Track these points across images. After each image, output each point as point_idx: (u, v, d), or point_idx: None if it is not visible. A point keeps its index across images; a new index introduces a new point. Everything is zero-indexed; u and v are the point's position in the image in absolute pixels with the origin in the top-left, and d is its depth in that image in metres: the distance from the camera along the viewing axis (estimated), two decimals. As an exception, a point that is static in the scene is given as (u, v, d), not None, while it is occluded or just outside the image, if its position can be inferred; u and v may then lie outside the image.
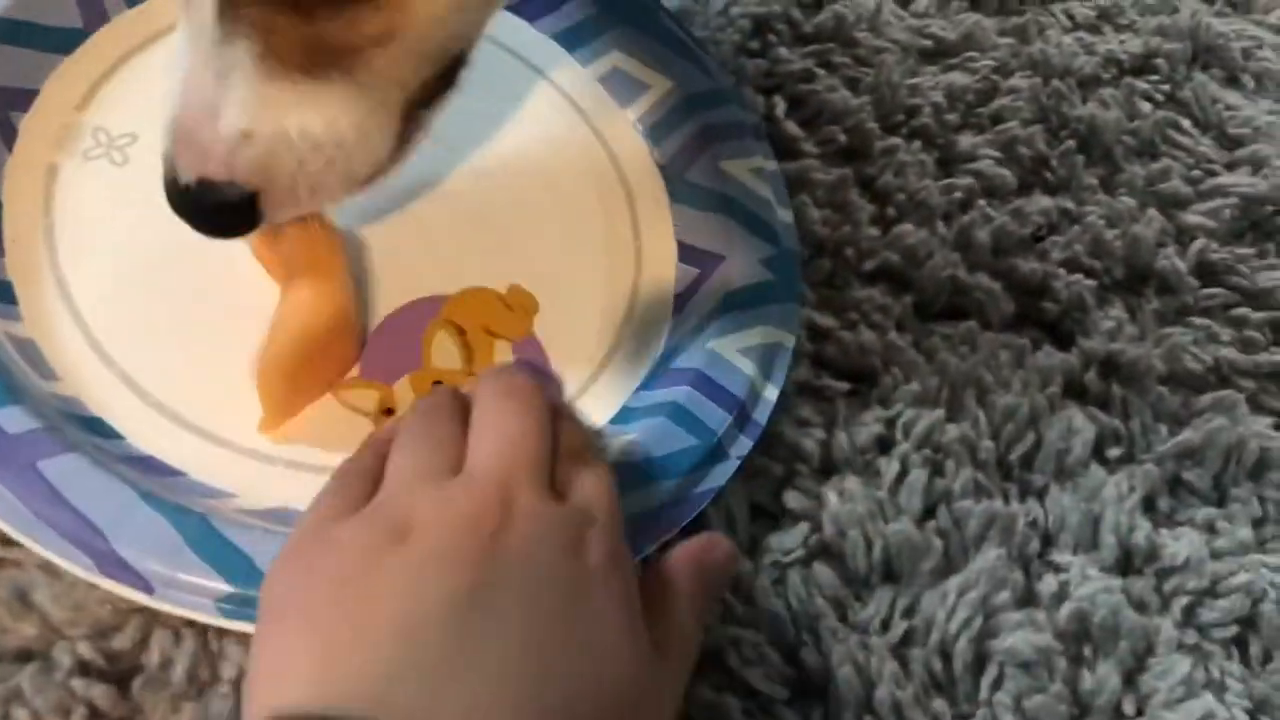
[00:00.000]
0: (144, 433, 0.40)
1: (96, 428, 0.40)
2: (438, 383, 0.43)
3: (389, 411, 0.43)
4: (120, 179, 0.44)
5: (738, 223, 0.48)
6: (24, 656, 0.35)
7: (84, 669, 0.35)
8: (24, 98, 0.45)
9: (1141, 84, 0.62)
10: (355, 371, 0.43)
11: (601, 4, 0.52)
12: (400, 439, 0.35)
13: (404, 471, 0.33)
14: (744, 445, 0.43)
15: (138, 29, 0.48)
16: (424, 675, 0.29)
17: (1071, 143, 0.58)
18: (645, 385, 0.45)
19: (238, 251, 0.42)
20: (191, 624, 0.37)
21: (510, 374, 0.37)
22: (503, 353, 0.45)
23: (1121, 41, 0.64)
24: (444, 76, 0.35)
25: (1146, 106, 0.62)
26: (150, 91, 0.45)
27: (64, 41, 0.46)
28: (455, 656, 0.29)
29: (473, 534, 0.31)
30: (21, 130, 0.44)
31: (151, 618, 0.37)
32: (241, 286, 0.43)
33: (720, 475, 0.42)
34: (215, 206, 0.32)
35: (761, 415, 0.44)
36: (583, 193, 0.49)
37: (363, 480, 0.34)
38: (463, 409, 0.35)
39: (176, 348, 0.42)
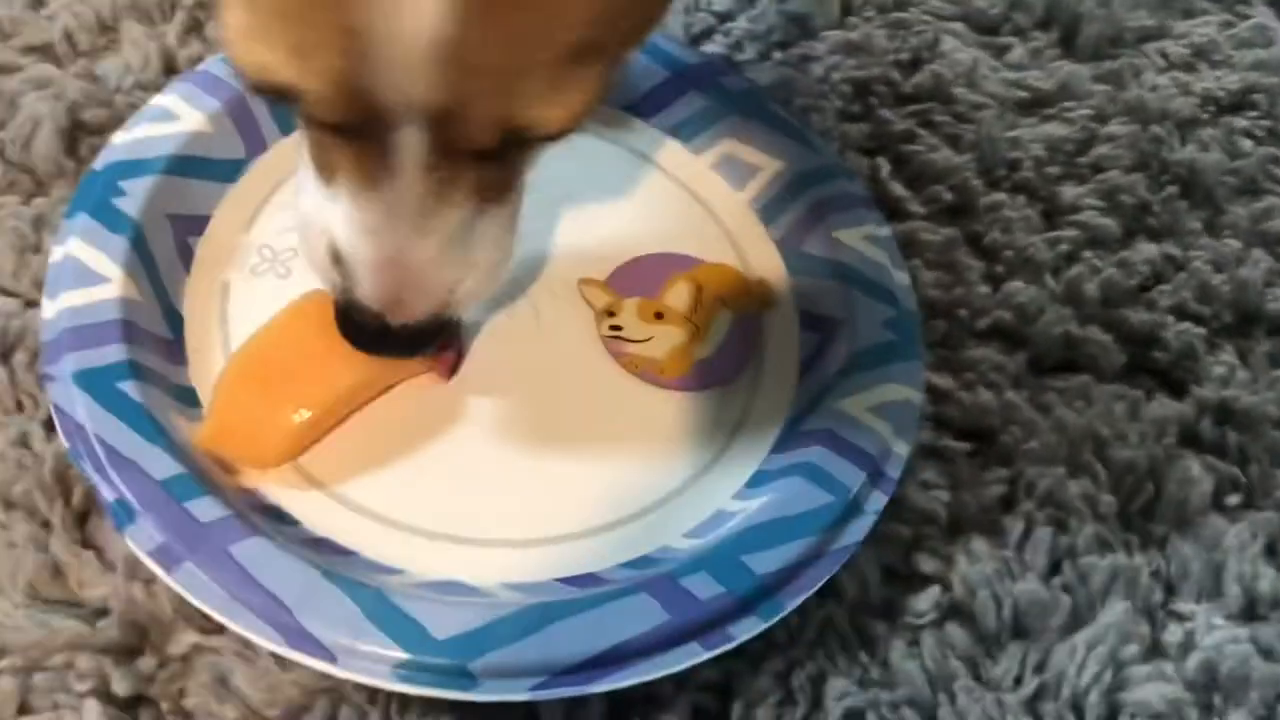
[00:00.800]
0: (317, 517, 0.43)
1: (274, 515, 0.43)
2: (659, 314, 0.49)
3: (611, 314, 0.49)
4: (285, 289, 0.48)
5: (856, 288, 0.50)
6: (230, 737, 0.39)
7: (285, 748, 0.39)
8: (198, 224, 0.49)
9: (1241, 121, 0.63)
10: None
11: (711, 97, 0.55)
12: None
13: None
14: (879, 500, 0.45)
15: (291, 153, 0.50)
16: None
17: (1173, 188, 0.59)
18: (776, 449, 0.47)
19: None
20: (373, 700, 0.40)
21: None
22: (724, 321, 0.50)
23: (1218, 79, 0.65)
24: None
25: (1247, 144, 0.62)
26: None
27: (230, 171, 0.50)
28: None
29: None
30: (197, 252, 0.48)
31: (337, 696, 0.40)
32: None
33: (857, 531, 0.44)
34: (430, 333, 0.38)
35: (894, 470, 0.46)
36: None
37: None
38: None
39: (342, 438, 0.45)
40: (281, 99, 0.32)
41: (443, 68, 0.29)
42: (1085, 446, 0.50)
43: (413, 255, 0.35)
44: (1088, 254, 0.56)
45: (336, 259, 0.37)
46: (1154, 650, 0.45)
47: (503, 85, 0.31)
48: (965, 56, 0.63)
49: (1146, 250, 0.57)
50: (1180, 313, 0.55)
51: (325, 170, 0.35)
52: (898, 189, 0.57)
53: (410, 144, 0.32)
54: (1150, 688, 0.44)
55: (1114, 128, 0.62)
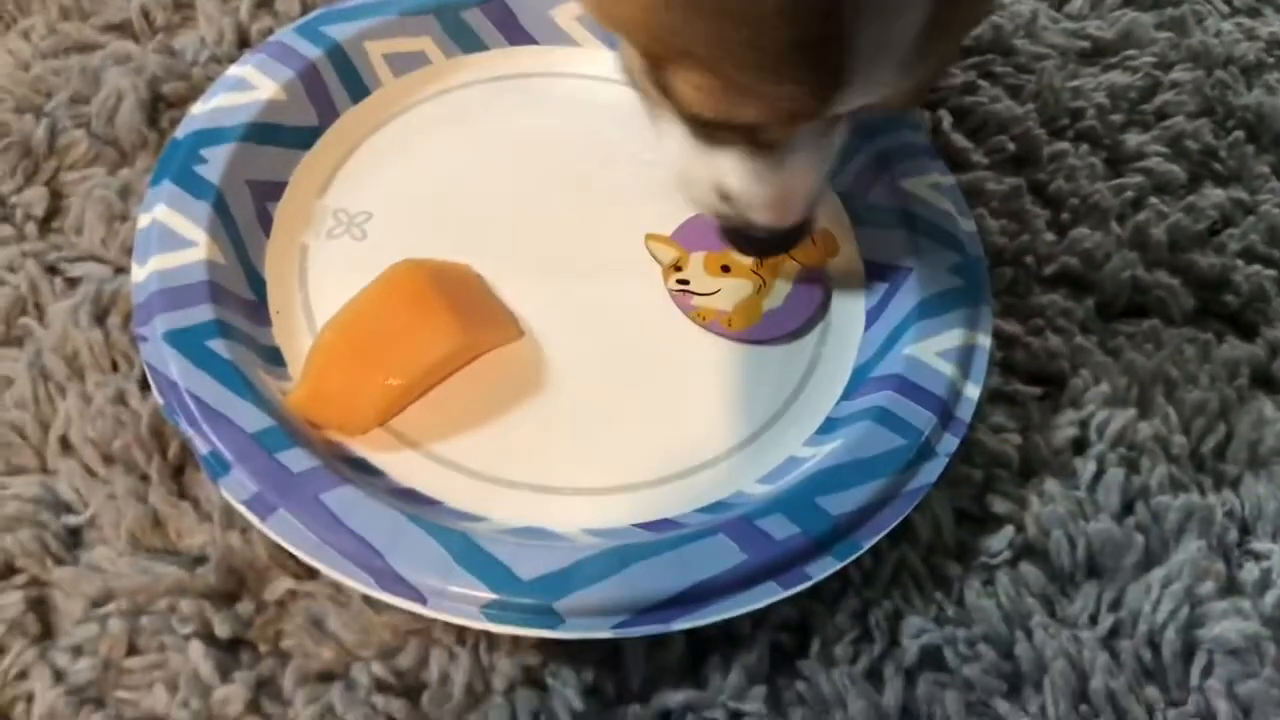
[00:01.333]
0: (401, 469, 0.45)
1: (360, 466, 0.45)
2: (726, 267, 0.50)
3: (678, 268, 0.50)
4: (360, 251, 0.49)
5: (922, 236, 0.51)
6: (327, 677, 0.40)
7: (380, 686, 0.40)
8: (276, 189, 0.50)
9: (1308, 65, 0.63)
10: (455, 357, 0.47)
11: None
12: None
13: None
14: (950, 443, 0.45)
15: (362, 120, 0.53)
16: None
17: (1240, 133, 0.59)
18: (846, 396, 0.48)
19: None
20: (462, 641, 0.41)
21: None
22: (789, 273, 0.51)
23: (1283, 22, 0.65)
24: None
25: (1314, 88, 0.62)
26: (378, 173, 0.52)
27: (304, 138, 0.52)
28: None
29: None
30: (276, 217, 0.50)
31: (427, 638, 0.41)
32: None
33: (930, 473, 0.45)
34: (796, 232, 0.44)
35: (964, 413, 0.46)
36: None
37: None
38: None
39: (423, 395, 0.46)
40: (718, 128, 0.39)
41: (904, 77, 0.36)
42: (1155, 389, 0.50)
43: (795, 192, 0.42)
44: (1154, 200, 0.56)
45: (725, 197, 0.42)
46: (1230, 588, 0.46)
47: (920, 90, 0.38)
48: (1024, 8, 0.63)
49: (1213, 195, 0.57)
50: (1250, 255, 0.55)
51: (708, 139, 0.41)
52: (960, 140, 0.57)
53: (809, 128, 0.40)
54: (1227, 624, 0.44)
55: (1178, 74, 0.61)
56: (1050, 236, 0.54)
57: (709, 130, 0.40)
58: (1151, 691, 0.43)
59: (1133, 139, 0.59)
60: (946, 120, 0.58)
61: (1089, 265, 0.53)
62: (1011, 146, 0.57)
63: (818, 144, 0.41)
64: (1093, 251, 0.54)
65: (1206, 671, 0.44)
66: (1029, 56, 0.61)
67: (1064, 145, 0.58)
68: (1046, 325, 0.51)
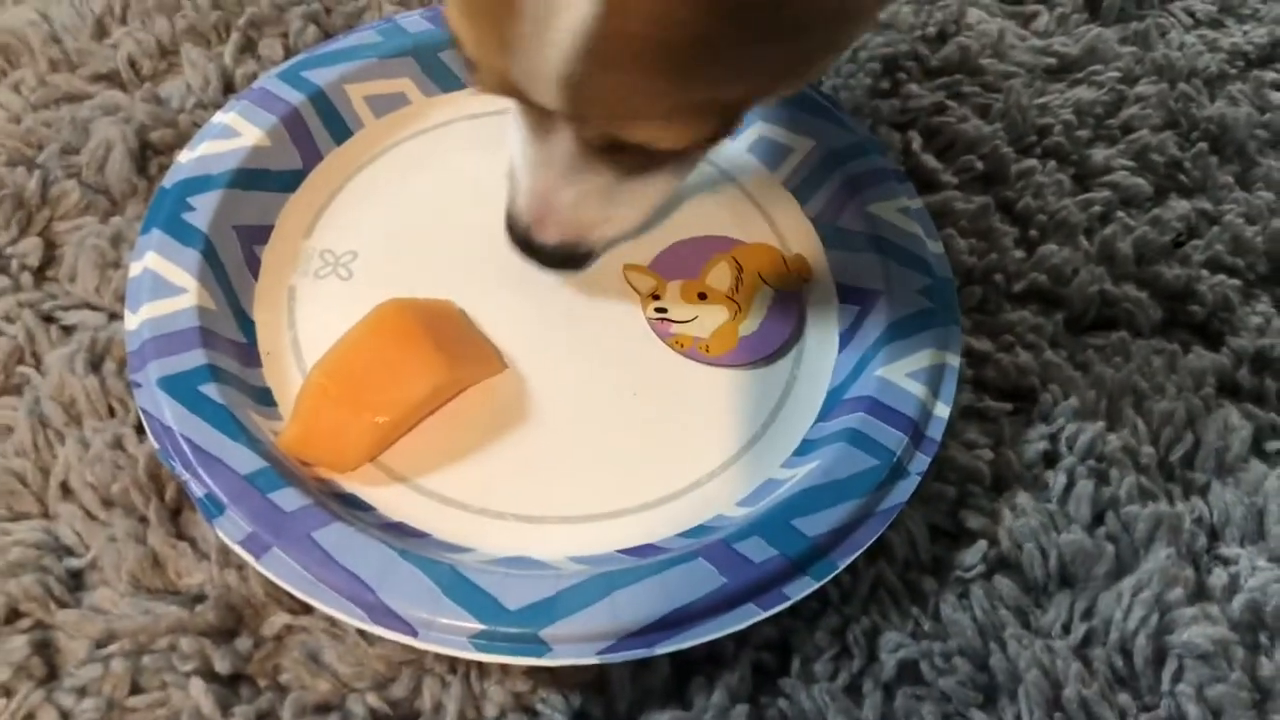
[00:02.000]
0: (390, 503, 0.46)
1: (350, 502, 0.46)
2: (703, 294, 0.52)
3: (656, 297, 0.52)
4: (347, 290, 0.51)
5: (891, 259, 0.52)
6: (323, 709, 0.42)
7: (376, 716, 0.41)
8: (263, 233, 0.52)
9: (1270, 74, 0.64)
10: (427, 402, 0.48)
11: None
12: None
13: None
14: (922, 462, 0.47)
15: (346, 161, 0.55)
16: None
17: (1204, 144, 0.61)
18: (821, 417, 0.49)
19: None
20: (453, 670, 0.43)
21: None
22: (764, 298, 0.52)
23: (1245, 33, 0.66)
24: None
25: (1277, 97, 0.63)
26: (362, 213, 0.54)
27: (289, 181, 0.53)
28: None
29: None
30: (264, 259, 0.51)
31: (419, 668, 0.43)
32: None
33: (903, 492, 0.46)
34: (565, 257, 0.46)
35: (935, 432, 0.48)
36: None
37: None
38: None
39: (409, 430, 0.48)
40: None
41: (564, 94, 0.36)
42: (1124, 401, 0.51)
43: (557, 197, 0.44)
44: (1120, 214, 0.58)
45: (511, 173, 0.45)
46: (1199, 594, 0.47)
47: (612, 118, 0.38)
48: (991, 27, 0.64)
49: (1179, 207, 0.58)
50: (1215, 266, 0.56)
51: (516, 113, 0.42)
52: (930, 161, 0.59)
53: (560, 124, 0.40)
54: (1196, 629, 0.45)
55: (1143, 88, 0.63)
56: (1019, 253, 0.56)
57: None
58: (1124, 698, 0.44)
59: (1099, 154, 0.60)
60: (916, 141, 0.59)
61: (1057, 281, 0.55)
62: (980, 165, 0.59)
63: (586, 162, 0.42)
64: (1061, 267, 0.55)
65: (1177, 676, 0.45)
66: (996, 75, 0.63)
67: (1032, 162, 0.59)
68: (1016, 341, 0.53)
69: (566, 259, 0.47)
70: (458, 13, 0.37)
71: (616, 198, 0.44)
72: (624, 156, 0.42)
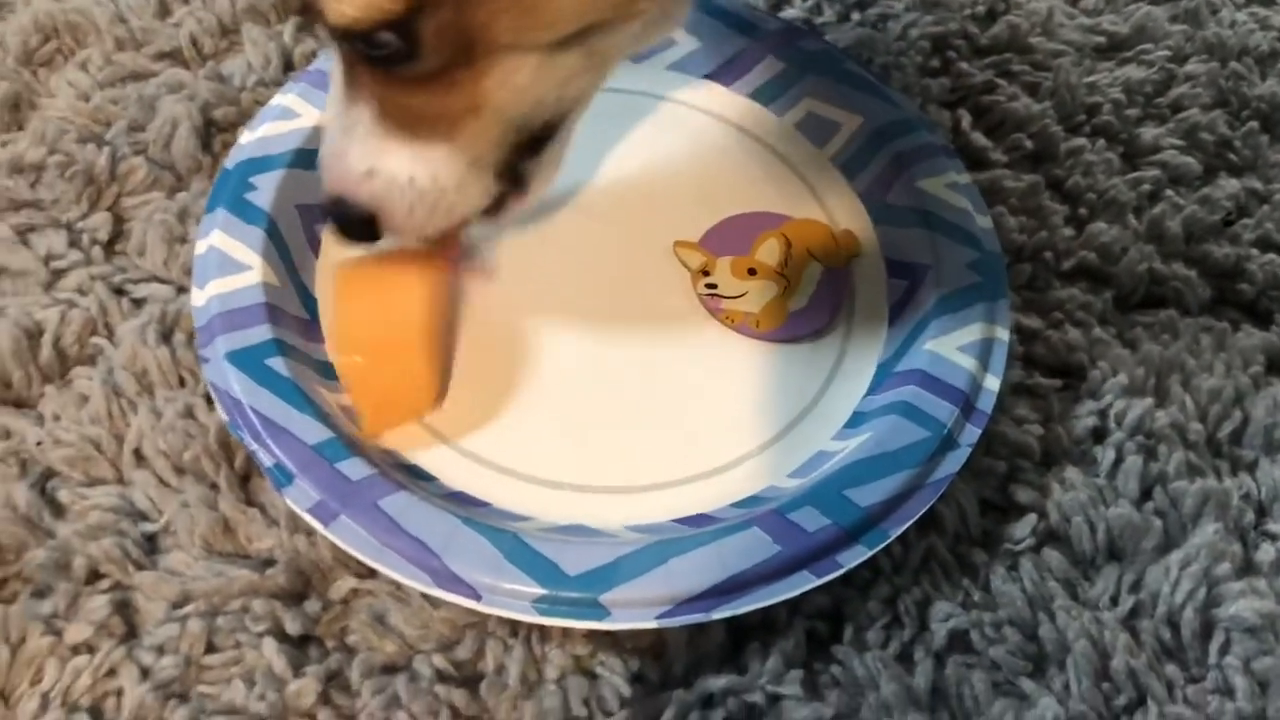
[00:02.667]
0: (452, 474, 0.47)
1: (414, 473, 0.47)
2: (752, 270, 0.53)
3: (706, 273, 0.52)
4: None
5: (940, 234, 0.53)
6: (391, 669, 0.43)
7: (441, 677, 0.43)
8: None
9: (1322, 53, 0.64)
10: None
11: (788, 60, 0.58)
12: None
13: None
14: (972, 434, 0.47)
15: None
16: None
17: (1254, 123, 0.61)
18: (871, 391, 0.50)
19: (514, 318, 0.50)
20: (515, 633, 0.44)
21: None
22: (813, 273, 0.53)
23: (1297, 11, 0.66)
24: (536, 141, 0.43)
25: (1329, 76, 0.63)
26: None
27: None
28: None
29: None
30: (324, 240, 0.52)
31: (483, 631, 0.44)
32: (515, 345, 0.50)
33: (954, 463, 0.47)
34: (347, 220, 0.44)
35: (985, 404, 0.48)
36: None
37: None
38: None
39: (469, 403, 0.49)
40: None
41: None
42: (1172, 378, 0.52)
43: (329, 135, 0.43)
44: (1169, 192, 0.58)
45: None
46: (1246, 568, 0.47)
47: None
48: (1041, 6, 0.65)
49: (1229, 185, 0.58)
50: (1265, 244, 0.57)
51: None
52: (979, 139, 0.59)
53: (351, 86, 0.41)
54: (1244, 603, 0.46)
55: (1192, 66, 0.63)
56: (1068, 231, 0.56)
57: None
58: (1171, 669, 0.45)
59: (1148, 132, 0.60)
60: (966, 120, 0.60)
61: (1106, 259, 0.55)
62: (1029, 144, 0.59)
63: (350, 91, 0.41)
64: (1110, 245, 0.55)
65: (1224, 649, 0.45)
66: (1046, 54, 0.63)
67: (1081, 141, 0.59)
68: (1066, 319, 0.53)
69: (344, 220, 0.44)
70: None
71: (386, 149, 0.42)
72: (395, 103, 0.40)
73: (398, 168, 0.42)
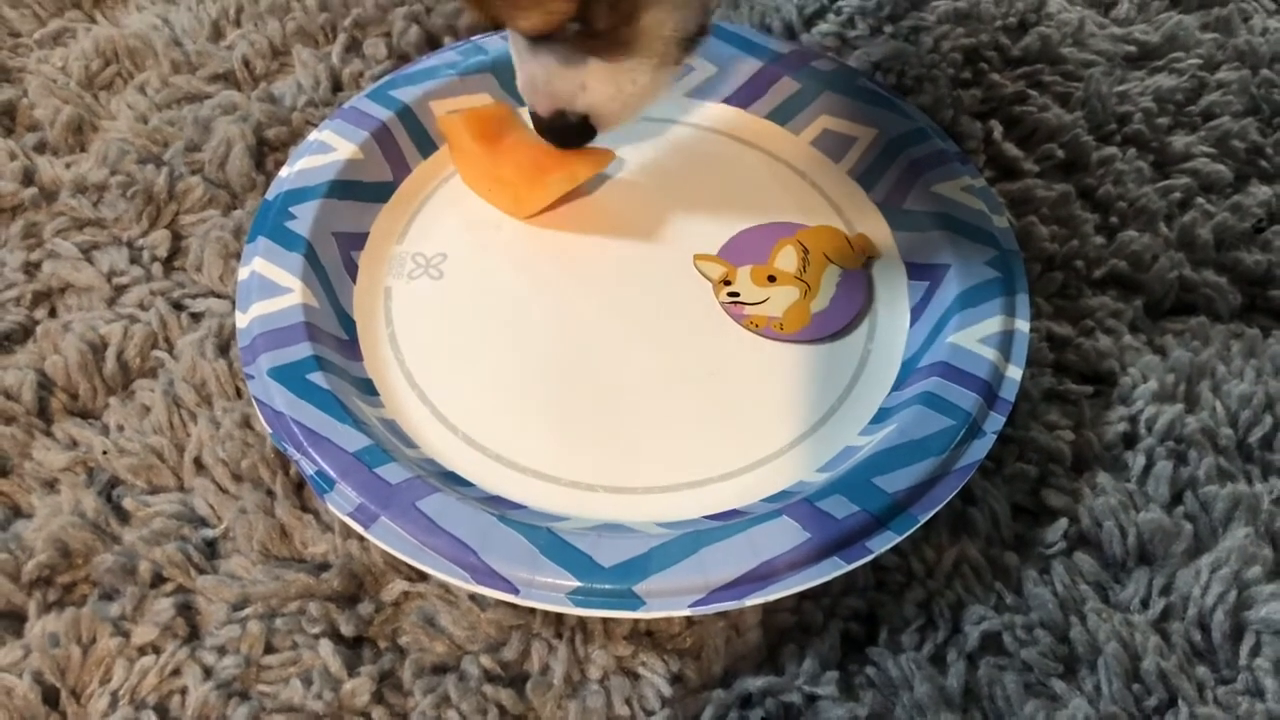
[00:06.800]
0: (488, 478, 0.49)
1: (452, 480, 0.49)
2: (772, 277, 0.54)
3: (727, 283, 0.54)
4: (439, 289, 0.55)
5: (958, 234, 0.54)
6: (441, 669, 0.45)
7: (489, 677, 0.45)
8: (359, 239, 0.56)
9: (1353, 60, 0.64)
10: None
11: (803, 80, 0.60)
12: None
13: None
14: (996, 421, 0.49)
15: (432, 173, 0.59)
16: None
17: (1285, 130, 0.61)
18: (896, 386, 0.52)
19: (548, 332, 0.52)
20: (559, 634, 0.46)
21: None
22: (833, 276, 0.55)
23: (1329, 18, 0.66)
24: (695, 35, 0.51)
25: (1361, 82, 0.63)
26: (449, 218, 0.57)
27: (381, 192, 0.57)
28: None
29: None
30: (360, 263, 0.55)
31: (528, 632, 0.46)
32: (550, 357, 0.52)
33: (979, 450, 0.48)
34: (566, 129, 0.53)
35: (1009, 393, 0.49)
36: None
37: None
38: None
39: (505, 412, 0.51)
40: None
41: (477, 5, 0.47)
42: (1203, 383, 0.52)
43: (528, 73, 0.51)
44: (1200, 200, 0.59)
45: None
46: (1277, 572, 0.48)
47: (495, 13, 0.48)
48: (1072, 16, 0.65)
49: (1260, 193, 0.59)
50: (1295, 251, 0.57)
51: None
52: (1011, 149, 0.60)
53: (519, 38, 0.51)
54: (1274, 606, 0.47)
55: (1224, 74, 0.63)
56: (1099, 240, 0.57)
57: None
58: (1202, 671, 0.46)
59: (1179, 140, 0.61)
60: (998, 130, 0.61)
61: (1137, 267, 0.56)
62: (1061, 153, 0.60)
63: (532, 47, 0.50)
64: (1141, 253, 0.56)
65: (1255, 651, 0.46)
66: (1077, 64, 0.64)
67: (1112, 150, 0.60)
68: (1096, 326, 0.54)
69: (565, 130, 0.53)
70: None
71: (577, 76, 0.51)
72: (554, 44, 0.50)
73: (606, 79, 0.50)
